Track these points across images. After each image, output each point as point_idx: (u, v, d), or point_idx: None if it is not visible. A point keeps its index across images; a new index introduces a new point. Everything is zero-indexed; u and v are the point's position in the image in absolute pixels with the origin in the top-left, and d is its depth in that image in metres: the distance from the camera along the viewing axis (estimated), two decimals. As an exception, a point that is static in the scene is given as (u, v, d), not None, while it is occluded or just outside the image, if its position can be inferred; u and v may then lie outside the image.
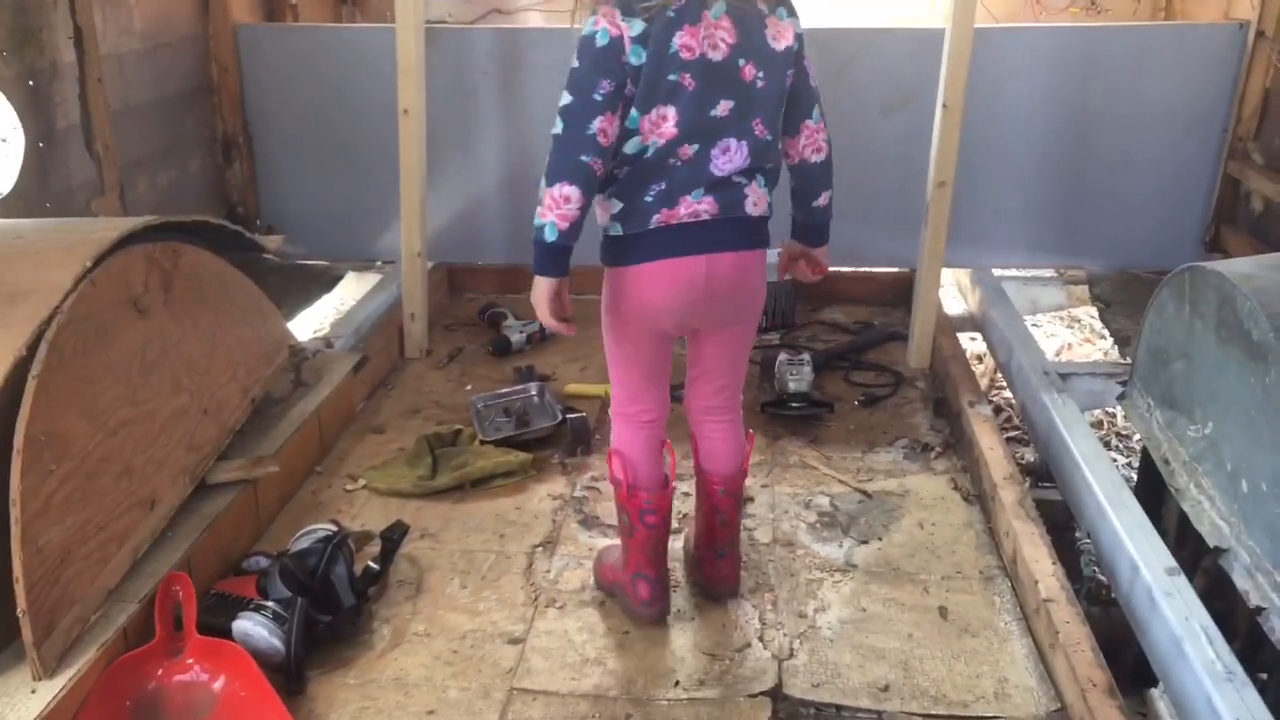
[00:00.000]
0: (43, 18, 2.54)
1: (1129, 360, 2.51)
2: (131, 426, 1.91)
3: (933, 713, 1.76)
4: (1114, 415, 3.62)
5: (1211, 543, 1.92)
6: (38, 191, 2.57)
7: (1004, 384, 3.31)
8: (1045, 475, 2.68)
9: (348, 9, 4.27)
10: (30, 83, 2.52)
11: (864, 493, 2.44)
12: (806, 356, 2.88)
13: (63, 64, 2.60)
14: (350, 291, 3.74)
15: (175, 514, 2.02)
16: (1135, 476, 2.60)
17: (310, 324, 3.82)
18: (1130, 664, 2.04)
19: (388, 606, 2.04)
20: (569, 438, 2.63)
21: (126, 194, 2.83)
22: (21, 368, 1.69)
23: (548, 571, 2.16)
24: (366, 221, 3.61)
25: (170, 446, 2.02)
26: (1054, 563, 2.00)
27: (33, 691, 1.61)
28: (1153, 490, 2.28)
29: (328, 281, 3.72)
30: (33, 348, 1.71)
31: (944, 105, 2.81)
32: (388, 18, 3.84)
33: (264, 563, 2.05)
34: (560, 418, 2.67)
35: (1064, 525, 2.51)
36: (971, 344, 3.64)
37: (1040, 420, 2.60)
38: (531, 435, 2.64)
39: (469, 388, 3.01)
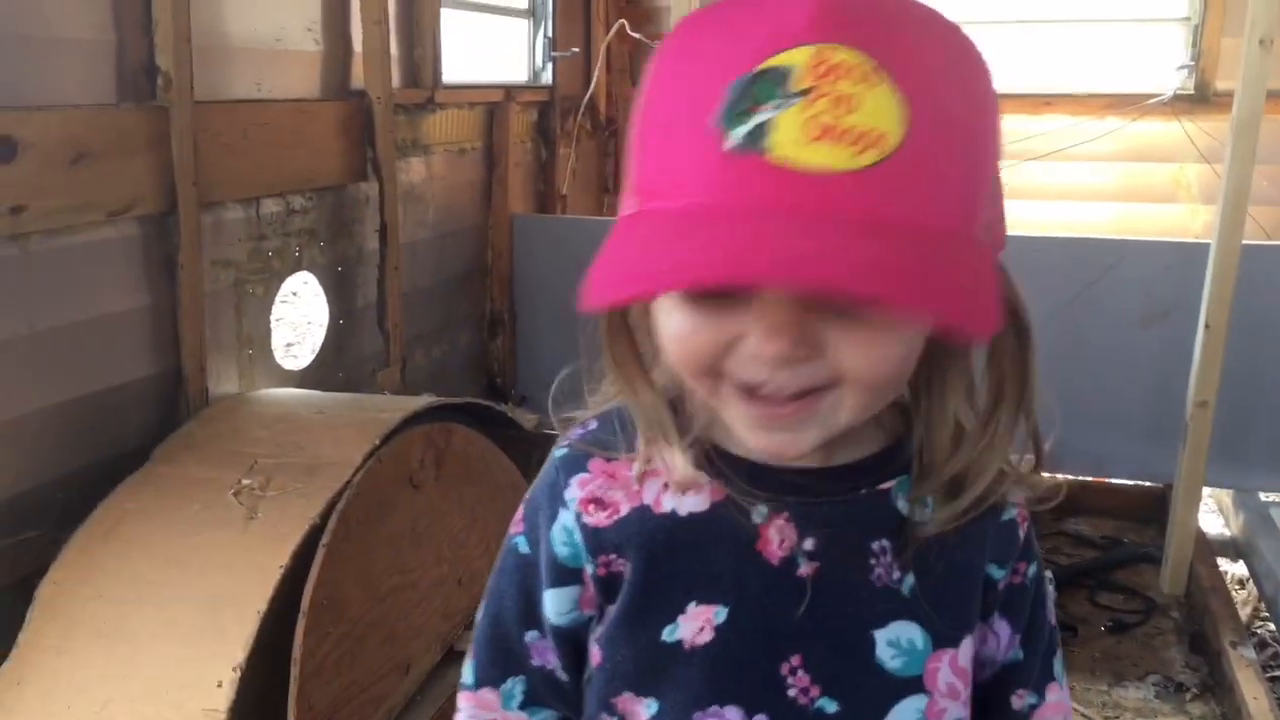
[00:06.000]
0: (357, 213, 2.89)
1: None
2: (398, 594, 2.07)
3: None
4: (1403, 663, 3.25)
5: None
6: (333, 362, 2.87)
7: (1269, 615, 3.06)
8: (1320, 731, 2.43)
9: (610, 197, 4.61)
10: (339, 269, 2.85)
11: (1110, 730, 2.30)
12: (1050, 574, 2.77)
13: (367, 251, 2.94)
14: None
15: (425, 679, 2.16)
16: None
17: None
18: None
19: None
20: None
21: (405, 366, 3.12)
22: (314, 534, 1.88)
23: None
24: (612, 398, 3.80)
25: (428, 614, 2.17)
26: (1332, 842, 1.82)
27: (290, 843, 1.73)
28: None
29: (570, 452, 3.91)
30: (325, 517, 1.91)
31: (1206, 325, 2.73)
32: (646, 209, 4.12)
33: (498, 735, 2.14)
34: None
35: (1343, 793, 2.26)
36: (1232, 565, 3.39)
37: (1315, 670, 2.39)
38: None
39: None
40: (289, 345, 5.51)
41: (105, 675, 1.74)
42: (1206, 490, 3.58)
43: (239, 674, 1.70)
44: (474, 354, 3.80)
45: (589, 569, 0.74)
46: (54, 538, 1.90)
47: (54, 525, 1.93)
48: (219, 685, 1.69)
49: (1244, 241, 2.74)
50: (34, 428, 1.97)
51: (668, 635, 0.72)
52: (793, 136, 0.55)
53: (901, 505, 0.72)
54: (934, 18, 0.61)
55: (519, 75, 4.05)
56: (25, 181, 1.84)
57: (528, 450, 3.71)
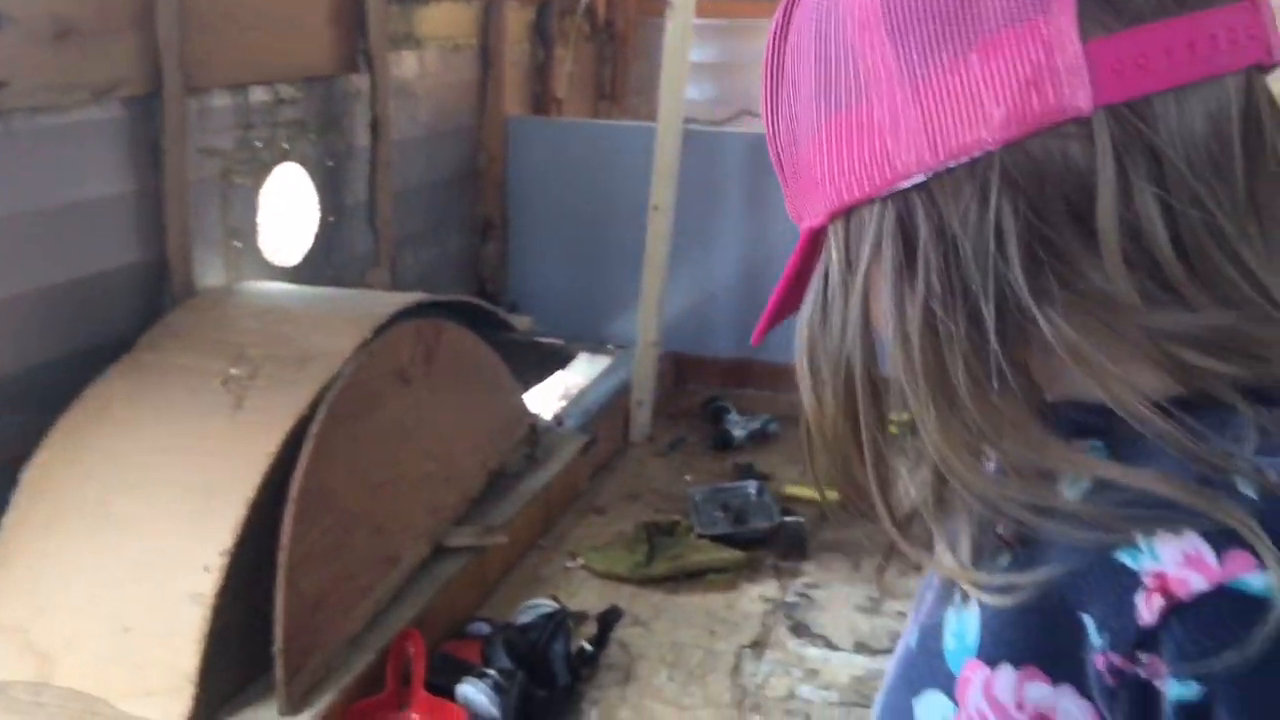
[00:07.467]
0: (347, 106, 2.83)
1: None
2: (385, 488, 2.07)
3: None
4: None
5: None
6: (322, 260, 2.83)
7: None
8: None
9: (605, 104, 4.53)
10: (330, 163, 2.80)
11: None
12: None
13: (358, 148, 2.88)
14: (581, 371, 3.90)
15: (412, 573, 2.16)
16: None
17: (540, 400, 4.00)
18: None
19: (597, 689, 2.10)
20: (784, 540, 2.64)
21: (395, 267, 3.08)
22: (303, 424, 1.87)
23: (754, 675, 2.16)
24: (604, 306, 3.77)
25: (415, 510, 2.17)
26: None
27: (278, 725, 1.75)
28: None
29: (561, 360, 3.89)
30: (314, 406, 1.89)
31: None
32: (640, 114, 4.05)
33: (485, 629, 2.15)
34: (777, 520, 2.68)
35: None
36: None
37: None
38: (747, 534, 2.66)
39: (688, 478, 3.07)
40: (276, 250, 5.46)
41: (92, 557, 1.74)
42: None
43: (227, 559, 1.70)
44: (465, 258, 3.75)
45: None
46: (38, 423, 1.88)
47: (37, 411, 1.91)
48: (205, 570, 1.68)
49: None
50: (17, 312, 1.93)
51: None
52: None
53: None
54: None
55: (516, -28, 3.93)
56: (8, 56, 1.79)
57: (520, 354, 3.70)
